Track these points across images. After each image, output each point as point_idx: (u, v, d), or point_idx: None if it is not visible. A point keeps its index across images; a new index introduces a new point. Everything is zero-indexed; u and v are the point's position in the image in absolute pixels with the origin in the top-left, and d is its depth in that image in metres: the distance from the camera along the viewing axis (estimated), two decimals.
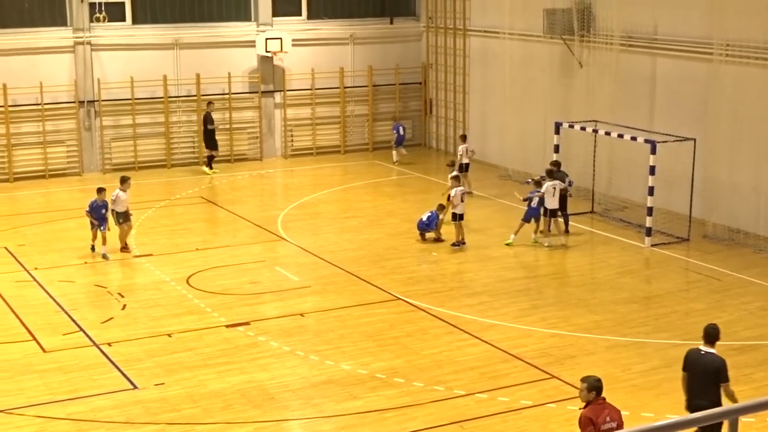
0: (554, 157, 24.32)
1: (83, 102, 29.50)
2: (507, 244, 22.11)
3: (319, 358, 15.96)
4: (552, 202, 22.13)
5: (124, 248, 21.64)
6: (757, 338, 16.73)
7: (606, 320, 17.62)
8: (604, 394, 10.69)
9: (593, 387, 10.66)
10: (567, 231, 23.15)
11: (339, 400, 14.41)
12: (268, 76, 31.71)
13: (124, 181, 21.86)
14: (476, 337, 16.82)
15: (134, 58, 29.92)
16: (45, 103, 28.93)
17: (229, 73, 30.89)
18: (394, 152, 31.52)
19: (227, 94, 31.02)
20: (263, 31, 31.10)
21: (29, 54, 28.78)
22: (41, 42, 28.92)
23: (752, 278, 19.87)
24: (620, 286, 19.60)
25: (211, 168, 29.92)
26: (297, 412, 14.17)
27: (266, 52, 30.82)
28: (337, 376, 15.25)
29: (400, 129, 31.43)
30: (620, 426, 10.49)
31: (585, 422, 10.51)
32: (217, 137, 30.24)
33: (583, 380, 10.84)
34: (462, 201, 22.10)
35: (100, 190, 21.47)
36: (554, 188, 22.14)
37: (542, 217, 22.28)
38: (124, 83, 29.67)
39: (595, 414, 10.49)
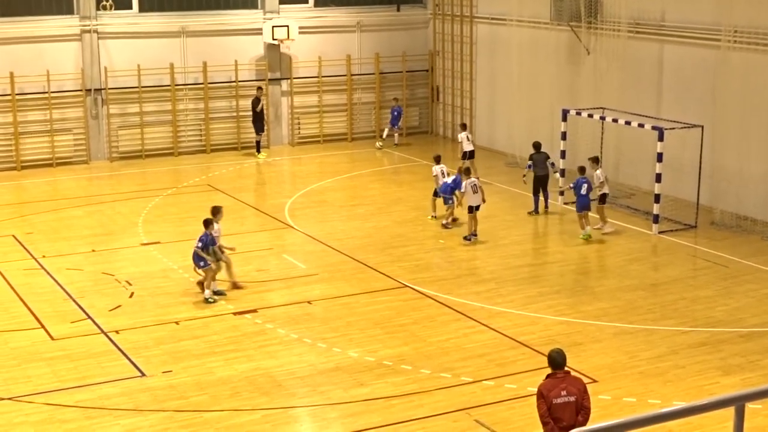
0: (561, 144, 24.29)
1: (90, 90, 29.50)
2: (583, 238, 21.61)
3: (327, 345, 15.98)
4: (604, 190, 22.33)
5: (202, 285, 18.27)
6: (765, 325, 16.70)
7: (613, 307, 17.60)
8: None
9: (550, 360, 10.77)
10: (546, 208, 23.61)
11: (346, 388, 14.44)
12: (275, 63, 31.68)
13: (216, 212, 18.81)
14: (483, 325, 16.82)
15: (141, 46, 29.92)
16: (52, 92, 28.93)
17: (236, 61, 30.86)
18: (395, 135, 31.70)
19: (234, 81, 31.00)
20: (270, 19, 31.06)
21: (36, 42, 28.77)
22: (48, 30, 28.91)
23: (760, 265, 19.82)
24: (627, 274, 19.58)
25: (259, 151, 30.41)
26: (304, 400, 14.19)
27: (273, 39, 30.79)
28: (344, 364, 15.27)
29: (398, 111, 31.76)
30: (580, 399, 10.52)
31: (537, 395, 10.64)
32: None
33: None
34: (475, 192, 21.78)
35: (208, 223, 18.21)
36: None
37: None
38: (130, 71, 29.67)
39: (548, 388, 10.54)
